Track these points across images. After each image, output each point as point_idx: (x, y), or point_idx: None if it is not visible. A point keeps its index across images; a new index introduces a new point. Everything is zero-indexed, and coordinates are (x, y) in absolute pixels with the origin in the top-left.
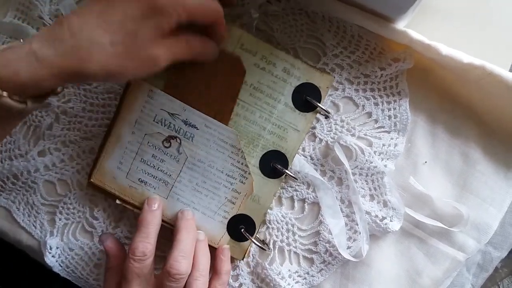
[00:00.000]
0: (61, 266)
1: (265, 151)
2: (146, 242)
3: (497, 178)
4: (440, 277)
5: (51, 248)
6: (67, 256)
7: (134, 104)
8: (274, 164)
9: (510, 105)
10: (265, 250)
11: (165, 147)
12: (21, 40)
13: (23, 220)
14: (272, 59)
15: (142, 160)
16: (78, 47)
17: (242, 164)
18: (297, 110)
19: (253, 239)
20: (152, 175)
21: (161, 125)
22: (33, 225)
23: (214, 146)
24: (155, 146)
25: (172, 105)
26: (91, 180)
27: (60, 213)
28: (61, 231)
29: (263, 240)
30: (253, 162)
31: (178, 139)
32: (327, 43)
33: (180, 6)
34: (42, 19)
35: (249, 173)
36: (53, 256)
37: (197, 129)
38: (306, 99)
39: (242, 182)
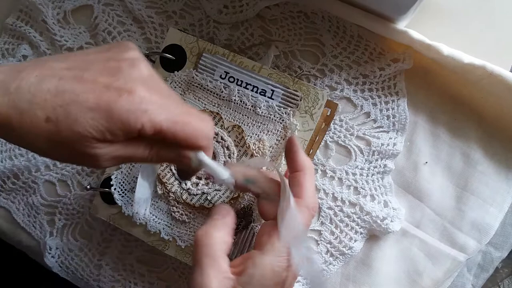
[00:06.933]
0: (61, 267)
1: None
2: None
3: (498, 179)
4: (441, 278)
5: (50, 249)
6: (67, 257)
7: None
8: None
9: (511, 105)
10: None
11: None
12: None
13: (22, 220)
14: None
15: None
16: (14, 106)
17: None
18: None
19: None
20: None
21: None
22: (33, 226)
23: None
24: None
25: None
26: None
27: (60, 213)
28: (61, 232)
29: None
30: None
31: None
32: (326, 44)
33: (146, 119)
34: (46, 23)
35: None
36: (52, 257)
37: None
38: None
39: None
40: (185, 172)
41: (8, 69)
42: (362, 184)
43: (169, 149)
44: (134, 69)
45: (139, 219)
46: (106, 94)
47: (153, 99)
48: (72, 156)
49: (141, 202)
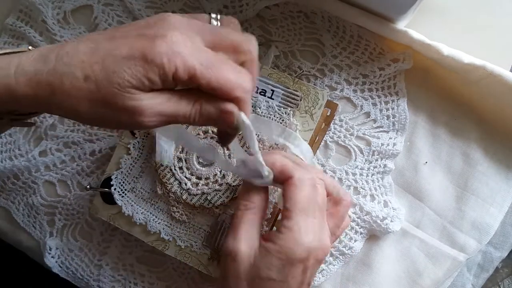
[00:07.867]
0: (61, 267)
1: None
2: None
3: (498, 179)
4: (441, 278)
5: (50, 249)
6: (67, 257)
7: None
8: None
9: (511, 105)
10: None
11: None
12: (29, 48)
13: (22, 221)
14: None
15: None
16: (54, 71)
17: None
18: None
19: None
20: None
21: None
22: (33, 226)
23: None
24: None
25: None
26: None
27: (60, 213)
28: (61, 232)
29: None
30: None
31: None
32: (326, 44)
33: (180, 61)
34: (46, 24)
35: None
36: (52, 257)
37: None
38: None
39: None
40: (225, 135)
41: (48, 47)
42: (362, 184)
43: (211, 104)
44: (165, 21)
45: (139, 219)
46: (140, 42)
47: (187, 44)
48: (116, 115)
49: (164, 151)
